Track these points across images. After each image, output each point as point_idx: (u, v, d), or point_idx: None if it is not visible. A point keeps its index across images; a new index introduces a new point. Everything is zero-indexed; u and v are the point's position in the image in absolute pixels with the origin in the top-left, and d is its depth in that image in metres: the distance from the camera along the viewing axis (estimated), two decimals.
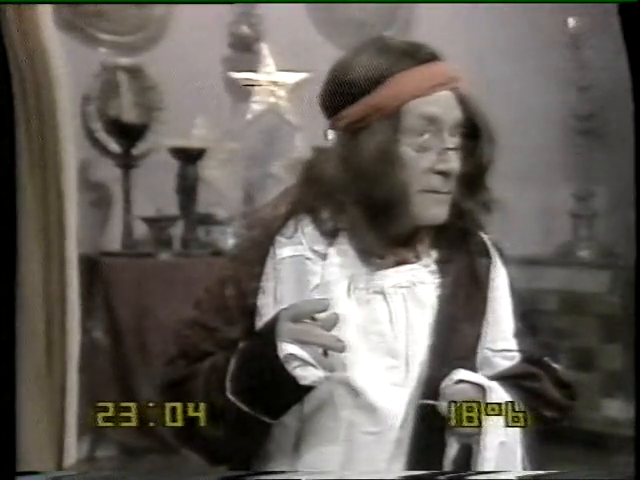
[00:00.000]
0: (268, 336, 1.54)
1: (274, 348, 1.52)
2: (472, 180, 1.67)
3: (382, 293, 1.67)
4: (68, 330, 2.55)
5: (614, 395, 4.62)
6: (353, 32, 5.28)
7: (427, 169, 1.63)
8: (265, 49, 5.21)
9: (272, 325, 1.55)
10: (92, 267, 4.41)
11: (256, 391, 1.56)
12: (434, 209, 1.65)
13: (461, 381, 1.59)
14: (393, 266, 1.68)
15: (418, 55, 1.65)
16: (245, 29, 5.26)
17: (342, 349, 1.52)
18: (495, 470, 1.58)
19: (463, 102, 1.65)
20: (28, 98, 2.47)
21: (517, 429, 1.61)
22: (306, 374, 1.51)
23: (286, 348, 1.51)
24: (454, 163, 1.63)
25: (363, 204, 1.65)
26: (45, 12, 2.49)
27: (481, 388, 1.59)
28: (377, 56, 1.66)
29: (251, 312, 1.68)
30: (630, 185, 2.23)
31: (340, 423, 1.63)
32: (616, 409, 4.60)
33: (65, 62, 2.54)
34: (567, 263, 5.11)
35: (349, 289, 1.66)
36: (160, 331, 4.32)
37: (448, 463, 1.61)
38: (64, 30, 4.50)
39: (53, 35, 2.52)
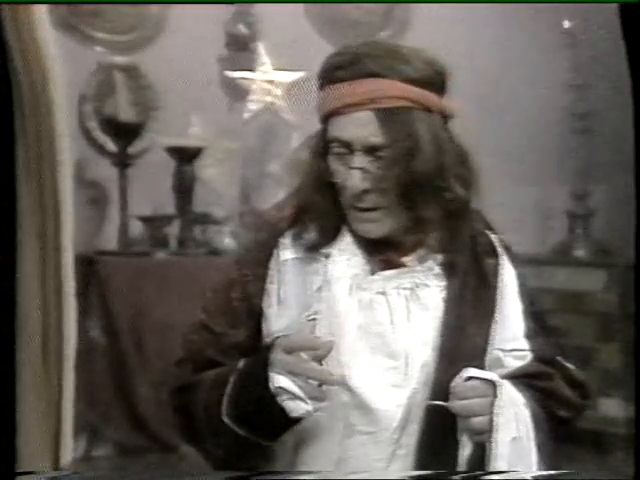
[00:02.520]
0: (262, 365, 1.55)
1: (266, 378, 1.53)
2: (412, 194, 1.66)
3: (384, 294, 1.67)
4: (64, 329, 2.54)
5: (611, 394, 4.62)
6: (349, 31, 5.28)
7: (343, 184, 1.66)
8: (261, 48, 5.21)
9: (267, 353, 1.55)
10: (88, 266, 4.40)
11: (250, 417, 1.57)
12: (364, 225, 1.66)
13: (471, 378, 1.59)
14: (391, 268, 1.69)
15: (350, 72, 1.65)
16: (241, 28, 5.26)
17: (334, 383, 1.53)
18: (509, 469, 1.57)
19: (385, 123, 1.63)
20: (24, 97, 2.47)
21: (530, 426, 1.61)
22: (295, 407, 1.51)
23: (277, 380, 1.52)
24: (356, 181, 1.63)
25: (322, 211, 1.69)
26: (41, 11, 2.49)
27: (492, 384, 1.59)
28: (325, 64, 1.68)
29: (256, 314, 1.69)
30: (625, 184, 2.23)
31: (336, 440, 1.63)
32: (613, 408, 4.61)
33: (61, 61, 2.53)
34: (563, 262, 5.11)
35: (351, 289, 1.67)
36: (156, 330, 4.32)
37: (462, 463, 1.60)
38: (60, 29, 4.50)
39: (49, 34, 2.51)
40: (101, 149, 5.00)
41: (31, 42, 2.48)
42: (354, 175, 1.63)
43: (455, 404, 1.58)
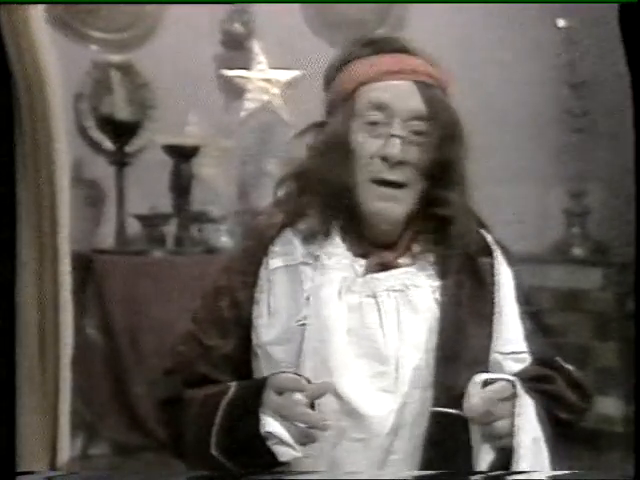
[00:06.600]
0: (253, 404, 1.51)
1: (257, 419, 1.50)
2: (440, 174, 1.65)
3: (374, 297, 1.64)
4: (61, 328, 2.54)
5: (607, 392, 4.62)
6: (346, 30, 5.27)
7: (373, 154, 1.62)
8: (257, 47, 5.20)
9: (258, 391, 1.52)
10: (85, 264, 4.40)
11: (238, 453, 1.55)
12: (381, 203, 1.63)
13: (488, 382, 1.54)
14: (383, 269, 1.67)
15: (382, 45, 1.66)
16: (237, 27, 5.25)
17: (326, 428, 1.49)
18: (529, 469, 1.53)
19: (427, 95, 1.63)
20: (20, 97, 2.46)
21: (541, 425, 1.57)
22: (284, 452, 1.49)
23: (267, 424, 1.49)
24: (397, 149, 1.60)
25: (324, 194, 1.65)
26: (36, 10, 2.48)
27: (511, 383, 1.55)
28: (346, 47, 1.68)
29: (246, 323, 1.66)
30: (623, 182, 2.23)
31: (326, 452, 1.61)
32: (609, 406, 4.60)
33: (57, 60, 2.53)
34: (560, 260, 5.11)
35: (340, 292, 1.64)
36: (153, 328, 4.32)
37: (484, 469, 1.55)
38: (55, 28, 4.48)
39: (44, 33, 2.51)
40: (98, 148, 4.99)
41: (27, 41, 2.48)
42: (394, 143, 1.60)
43: (475, 411, 1.51)
